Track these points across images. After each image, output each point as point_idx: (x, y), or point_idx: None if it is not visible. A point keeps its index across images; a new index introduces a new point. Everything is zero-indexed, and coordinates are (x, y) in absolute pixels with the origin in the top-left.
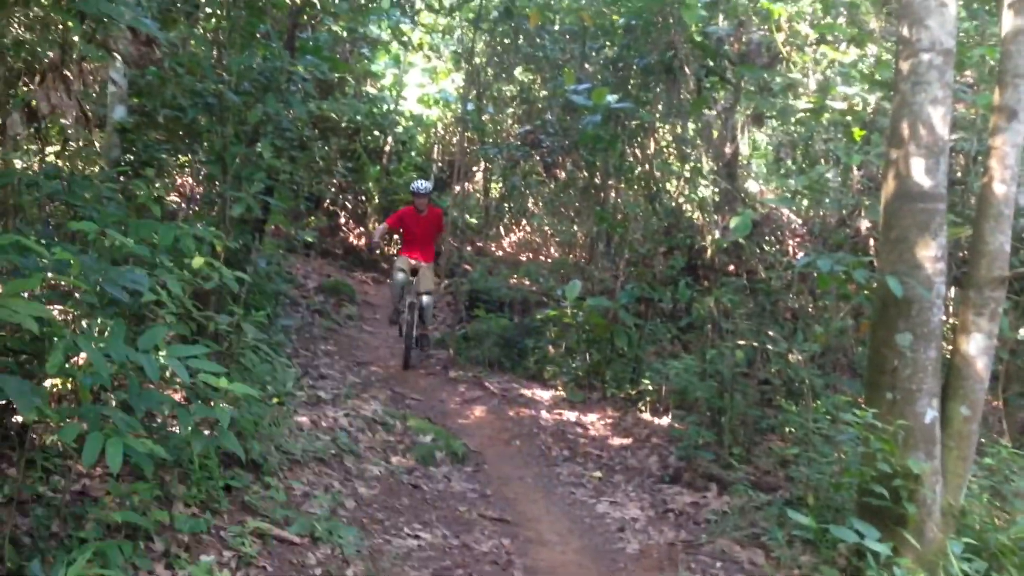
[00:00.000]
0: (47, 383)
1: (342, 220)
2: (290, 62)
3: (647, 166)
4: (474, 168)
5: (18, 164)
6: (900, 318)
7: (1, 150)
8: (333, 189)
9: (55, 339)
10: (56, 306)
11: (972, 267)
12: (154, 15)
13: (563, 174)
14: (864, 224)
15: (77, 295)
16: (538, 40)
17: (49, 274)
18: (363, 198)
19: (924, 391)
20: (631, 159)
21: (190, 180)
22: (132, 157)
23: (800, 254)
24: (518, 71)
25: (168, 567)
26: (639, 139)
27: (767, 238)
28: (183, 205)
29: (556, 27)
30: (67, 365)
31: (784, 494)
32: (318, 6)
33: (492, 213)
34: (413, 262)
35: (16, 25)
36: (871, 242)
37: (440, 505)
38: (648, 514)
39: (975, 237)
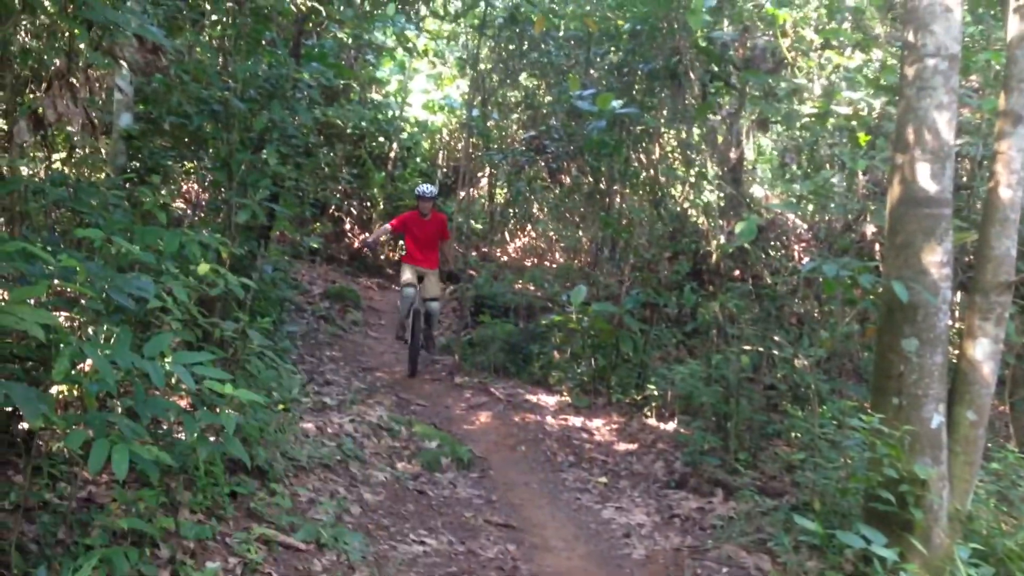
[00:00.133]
0: (53, 390)
1: (347, 226)
2: (295, 69)
3: (652, 171)
4: (479, 174)
5: (24, 171)
6: (906, 323)
7: (8, 157)
8: (338, 195)
9: (61, 346)
10: (62, 313)
11: (978, 272)
12: (160, 23)
13: (568, 179)
14: (870, 229)
15: (83, 302)
16: (543, 46)
17: (55, 281)
18: (368, 204)
19: (930, 396)
20: (636, 164)
21: (196, 187)
22: (138, 164)
23: (805, 259)
24: (523, 77)
25: (174, 574)
26: (644, 144)
27: (772, 243)
28: (189, 212)
29: (561, 33)
30: (73, 372)
31: (790, 499)
32: (323, 13)
33: (497, 219)
34: (420, 269)
35: (23, 33)
36: (877, 247)
37: (446, 511)
38: (654, 520)
39: (981, 242)
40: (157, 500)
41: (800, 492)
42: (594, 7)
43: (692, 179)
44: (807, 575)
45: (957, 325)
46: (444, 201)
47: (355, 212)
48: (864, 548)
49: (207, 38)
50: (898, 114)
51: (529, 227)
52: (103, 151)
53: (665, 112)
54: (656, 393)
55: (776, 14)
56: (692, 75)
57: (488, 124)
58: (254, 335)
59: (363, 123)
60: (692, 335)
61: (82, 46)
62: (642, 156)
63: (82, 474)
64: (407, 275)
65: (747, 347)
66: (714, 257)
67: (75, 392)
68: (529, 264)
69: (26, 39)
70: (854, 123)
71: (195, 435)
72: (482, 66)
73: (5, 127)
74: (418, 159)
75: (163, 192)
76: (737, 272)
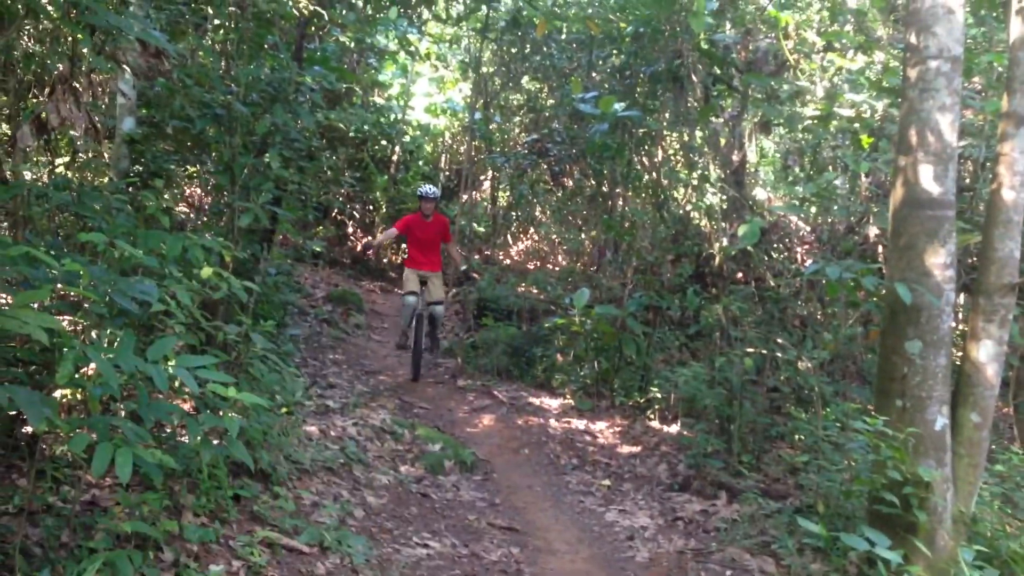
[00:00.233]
0: (57, 394)
1: (350, 230)
2: (298, 73)
3: (654, 174)
4: (481, 177)
5: (28, 176)
6: (909, 325)
7: (11, 162)
8: (341, 199)
9: (65, 350)
10: (66, 317)
11: (981, 274)
12: (163, 27)
13: (570, 182)
14: (873, 231)
15: (86, 306)
16: (545, 49)
17: (59, 285)
18: (371, 207)
19: (934, 398)
20: (638, 167)
21: (199, 191)
22: (141, 168)
23: (808, 261)
24: (525, 80)
25: None
26: (646, 147)
27: (775, 245)
28: (192, 216)
29: (563, 36)
30: (77, 376)
31: (794, 502)
32: (326, 17)
33: (500, 222)
34: (422, 273)
35: (26, 38)
36: (880, 249)
37: (449, 514)
38: (657, 522)
39: (984, 244)
40: (161, 503)
41: (804, 494)
42: (596, 10)
43: (695, 182)
44: None
45: (961, 327)
46: (447, 204)
47: (358, 216)
48: (868, 551)
49: (210, 42)
50: (901, 116)
51: (532, 230)
52: (106, 155)
53: (667, 115)
54: (659, 396)
55: (778, 17)
56: (694, 78)
57: (490, 127)
58: (257, 339)
59: (366, 127)
60: (695, 338)
61: (85, 51)
62: (644, 159)
63: (86, 477)
64: (410, 283)
65: (750, 349)
66: (717, 260)
67: (79, 396)
68: (532, 267)
69: (29, 44)
70: (857, 125)
71: (199, 438)
72: (484, 69)
73: (9, 131)
74: (420, 162)
75: (166, 196)
76: (740, 275)
